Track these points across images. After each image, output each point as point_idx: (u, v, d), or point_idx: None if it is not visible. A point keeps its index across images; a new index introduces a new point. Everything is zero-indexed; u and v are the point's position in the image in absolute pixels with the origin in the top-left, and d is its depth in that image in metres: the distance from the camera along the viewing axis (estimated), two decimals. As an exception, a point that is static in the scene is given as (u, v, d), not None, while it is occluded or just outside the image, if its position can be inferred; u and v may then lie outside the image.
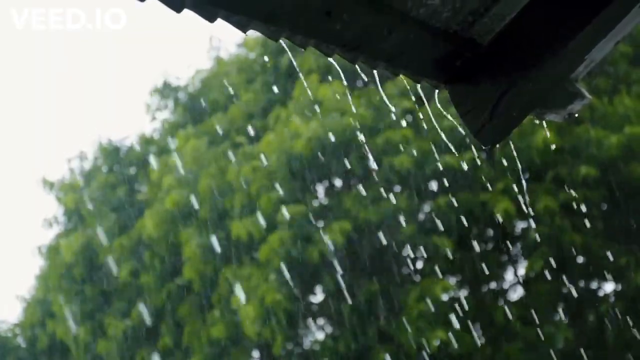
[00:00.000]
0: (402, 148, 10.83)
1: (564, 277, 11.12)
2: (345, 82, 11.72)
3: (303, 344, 12.27)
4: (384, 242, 10.73)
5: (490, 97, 2.13)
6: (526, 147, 10.59)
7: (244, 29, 1.66)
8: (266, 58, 13.18)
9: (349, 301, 11.01)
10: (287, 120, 11.61)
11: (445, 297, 11.02)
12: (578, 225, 10.75)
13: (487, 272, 11.41)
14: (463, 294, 11.57)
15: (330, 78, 11.60)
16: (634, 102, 11.12)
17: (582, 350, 11.01)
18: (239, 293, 11.04)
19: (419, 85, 2.22)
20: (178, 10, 1.57)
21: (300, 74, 12.32)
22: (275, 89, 12.87)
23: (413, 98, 10.63)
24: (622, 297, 11.31)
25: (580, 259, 11.32)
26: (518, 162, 10.62)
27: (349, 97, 11.46)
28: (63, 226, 15.02)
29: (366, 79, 11.48)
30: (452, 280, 11.47)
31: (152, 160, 13.42)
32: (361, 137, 10.97)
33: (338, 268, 10.94)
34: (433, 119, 10.74)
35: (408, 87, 2.26)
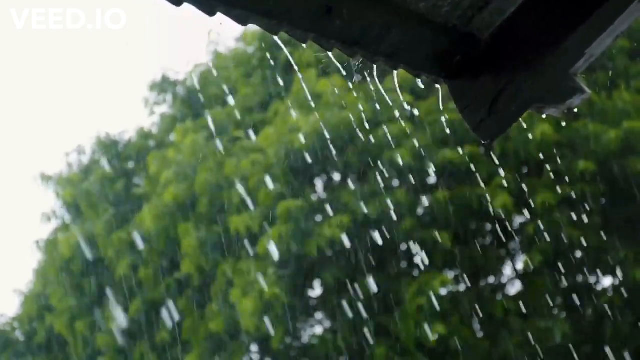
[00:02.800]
0: (400, 142, 10.83)
1: (562, 272, 11.13)
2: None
3: (302, 338, 12.28)
4: (383, 236, 10.72)
5: (489, 92, 2.13)
6: (525, 141, 10.60)
7: (243, 23, 1.66)
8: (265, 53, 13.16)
9: (348, 295, 11.02)
10: (286, 114, 11.61)
11: (443, 292, 11.02)
12: (576, 219, 10.76)
13: (485, 267, 11.43)
14: (461, 288, 11.58)
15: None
16: (633, 96, 11.12)
17: (580, 345, 11.03)
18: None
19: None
20: (178, 4, 1.57)
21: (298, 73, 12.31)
22: (274, 83, 12.86)
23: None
24: (620, 291, 11.32)
25: (578, 254, 11.33)
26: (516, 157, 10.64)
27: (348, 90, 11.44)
28: (61, 220, 15.01)
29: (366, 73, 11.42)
30: (451, 275, 11.48)
31: (151, 155, 13.40)
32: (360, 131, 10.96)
33: (336, 262, 10.94)
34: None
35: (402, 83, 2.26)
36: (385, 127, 10.91)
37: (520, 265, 11.82)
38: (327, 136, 10.77)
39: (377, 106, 11.05)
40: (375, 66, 2.08)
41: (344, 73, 11.02)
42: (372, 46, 1.92)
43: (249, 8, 1.63)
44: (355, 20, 1.82)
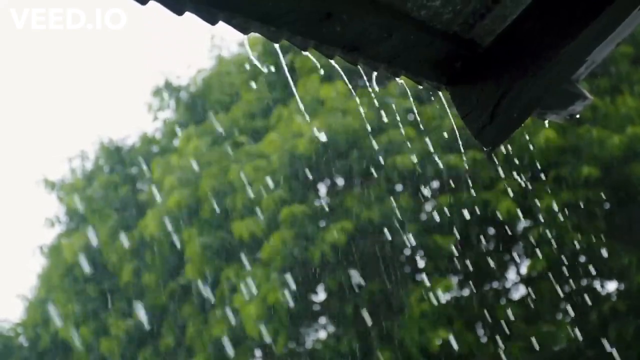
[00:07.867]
0: (404, 147, 10.82)
1: (566, 276, 11.12)
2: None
3: (305, 343, 12.27)
4: (386, 241, 10.72)
5: (491, 98, 2.13)
6: (528, 146, 10.59)
7: (244, 31, 1.67)
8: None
9: (351, 301, 11.01)
10: (289, 120, 11.60)
11: (447, 297, 11.01)
12: (580, 224, 10.74)
13: (489, 272, 11.41)
14: (465, 293, 11.56)
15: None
16: (636, 102, 11.11)
17: (584, 349, 11.01)
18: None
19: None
20: (179, 12, 1.57)
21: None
22: (277, 88, 12.86)
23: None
24: (624, 296, 11.30)
25: (582, 258, 11.31)
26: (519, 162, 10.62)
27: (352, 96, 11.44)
28: (65, 226, 15.02)
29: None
30: (455, 280, 11.47)
31: (154, 161, 13.40)
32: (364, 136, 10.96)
33: (340, 267, 10.93)
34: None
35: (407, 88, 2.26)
36: (388, 133, 10.91)
37: (524, 270, 11.81)
38: (331, 141, 10.77)
39: (381, 112, 11.06)
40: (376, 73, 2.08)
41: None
42: (373, 52, 1.92)
43: (249, 16, 1.63)
44: (355, 26, 1.82)
